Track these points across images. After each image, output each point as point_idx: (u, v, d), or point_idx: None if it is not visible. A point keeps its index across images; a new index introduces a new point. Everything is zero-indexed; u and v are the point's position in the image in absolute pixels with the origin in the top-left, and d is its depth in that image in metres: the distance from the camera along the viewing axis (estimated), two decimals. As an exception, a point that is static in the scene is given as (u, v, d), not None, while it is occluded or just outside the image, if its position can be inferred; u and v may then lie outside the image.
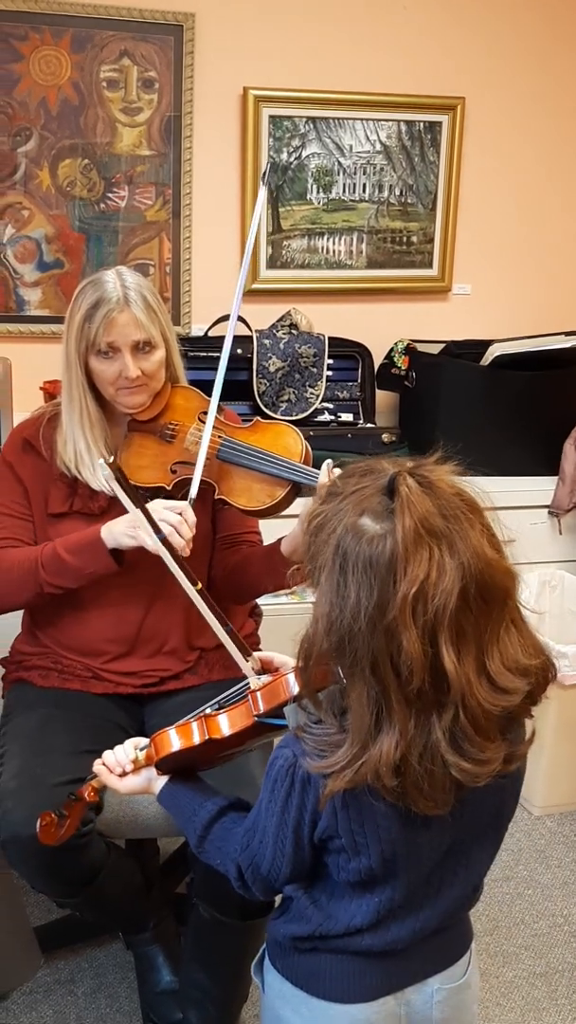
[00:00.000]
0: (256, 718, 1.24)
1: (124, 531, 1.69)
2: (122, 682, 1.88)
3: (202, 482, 1.79)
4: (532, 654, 1.07)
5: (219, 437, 1.81)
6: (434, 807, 1.06)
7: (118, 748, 1.35)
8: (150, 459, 1.84)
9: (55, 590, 1.79)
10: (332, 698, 1.09)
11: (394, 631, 0.98)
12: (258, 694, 1.24)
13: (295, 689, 1.19)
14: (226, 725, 1.26)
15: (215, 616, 1.53)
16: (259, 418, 1.90)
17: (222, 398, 1.89)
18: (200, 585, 1.54)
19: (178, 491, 1.82)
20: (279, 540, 1.81)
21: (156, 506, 1.68)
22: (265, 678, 1.29)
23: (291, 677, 1.21)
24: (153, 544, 1.60)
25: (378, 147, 3.05)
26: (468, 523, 1.01)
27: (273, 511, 1.79)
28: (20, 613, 1.98)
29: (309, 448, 1.82)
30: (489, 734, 1.04)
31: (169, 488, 1.81)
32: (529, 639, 1.08)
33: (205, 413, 1.83)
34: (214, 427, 1.81)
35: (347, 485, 1.05)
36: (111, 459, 1.52)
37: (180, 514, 1.67)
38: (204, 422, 1.81)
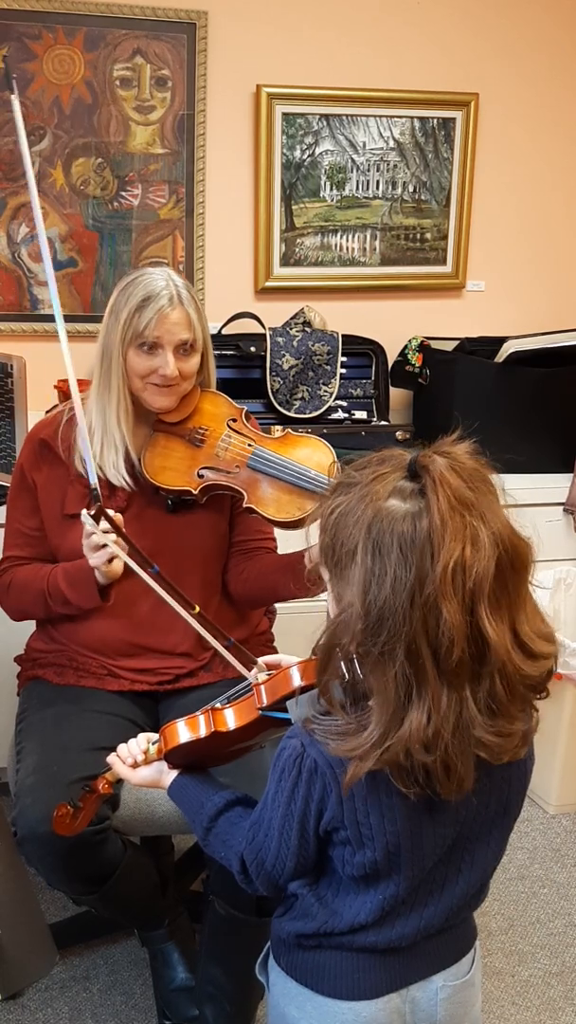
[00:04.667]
0: (260, 711, 1.25)
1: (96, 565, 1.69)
2: (137, 679, 1.88)
3: (232, 490, 1.82)
4: (546, 623, 1.10)
5: (249, 446, 1.82)
6: (457, 790, 1.06)
7: (131, 741, 1.37)
8: (176, 461, 1.84)
9: (67, 611, 1.84)
10: (340, 690, 1.10)
11: (434, 604, 0.99)
12: (262, 688, 1.26)
13: (298, 682, 1.21)
14: (232, 719, 1.28)
15: (215, 636, 1.53)
16: (290, 430, 1.90)
17: (237, 397, 1.90)
18: (197, 609, 1.53)
19: (204, 496, 1.83)
20: (301, 552, 1.81)
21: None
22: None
23: (293, 671, 1.23)
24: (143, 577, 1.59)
25: (391, 144, 3.05)
26: (491, 495, 1.05)
27: (301, 524, 1.79)
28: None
29: (339, 464, 1.83)
30: (519, 705, 1.07)
31: (195, 492, 1.82)
32: (539, 610, 1.11)
33: (234, 420, 1.85)
34: (244, 435, 1.83)
35: (364, 475, 1.07)
36: (92, 510, 1.53)
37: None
38: (234, 429, 1.84)
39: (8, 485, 2.53)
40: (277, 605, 2.15)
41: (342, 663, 1.06)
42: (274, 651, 2.00)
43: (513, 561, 1.04)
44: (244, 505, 1.81)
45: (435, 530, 0.99)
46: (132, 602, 1.84)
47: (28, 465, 1.89)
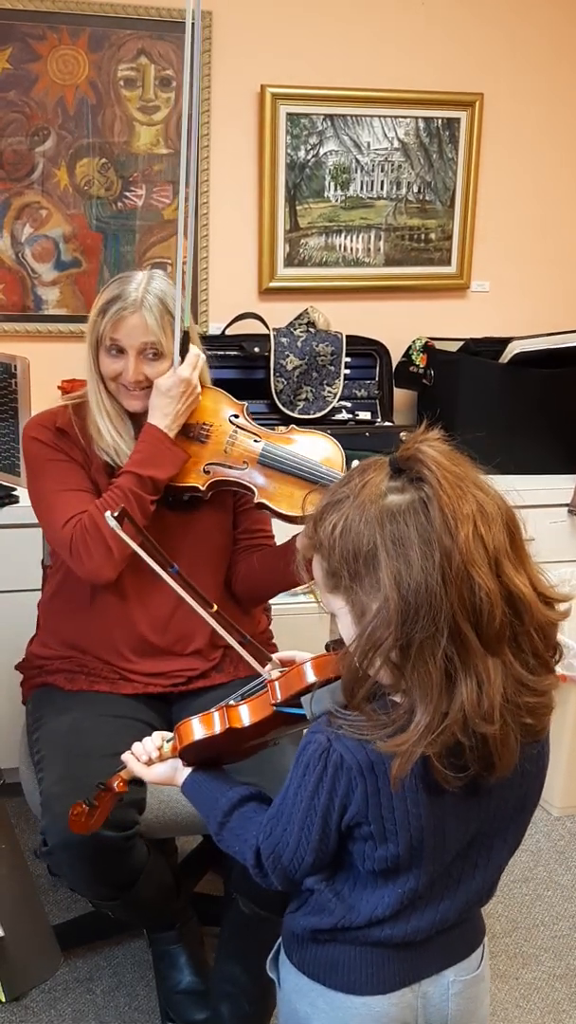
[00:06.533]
0: (274, 707, 1.26)
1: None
2: (150, 682, 1.87)
3: (240, 486, 1.81)
4: (541, 570, 1.14)
5: (256, 441, 1.82)
6: (510, 764, 1.08)
7: (146, 739, 1.38)
8: None
9: (153, 492, 1.76)
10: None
11: (465, 574, 1.02)
12: (276, 684, 1.26)
13: (311, 678, 1.22)
14: (246, 715, 1.28)
15: (231, 634, 1.53)
16: (295, 427, 1.91)
17: (240, 397, 1.90)
18: (215, 607, 1.53)
19: (211, 491, 1.82)
20: (292, 539, 1.81)
21: None
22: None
23: (307, 667, 1.23)
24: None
25: (396, 144, 3.04)
26: (471, 468, 1.10)
27: None
28: (34, 617, 2.00)
29: (345, 459, 1.84)
30: (552, 655, 1.11)
31: (203, 488, 1.82)
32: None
33: (236, 416, 1.86)
34: (248, 431, 1.82)
35: (350, 488, 1.09)
36: (116, 512, 1.50)
37: None
38: (238, 425, 1.84)
39: (8, 485, 2.54)
40: (276, 605, 2.14)
41: (380, 668, 1.07)
42: (275, 649, 2.00)
43: (511, 522, 1.08)
44: (255, 501, 1.81)
45: (446, 508, 1.03)
46: (145, 604, 1.83)
47: (61, 444, 1.84)
